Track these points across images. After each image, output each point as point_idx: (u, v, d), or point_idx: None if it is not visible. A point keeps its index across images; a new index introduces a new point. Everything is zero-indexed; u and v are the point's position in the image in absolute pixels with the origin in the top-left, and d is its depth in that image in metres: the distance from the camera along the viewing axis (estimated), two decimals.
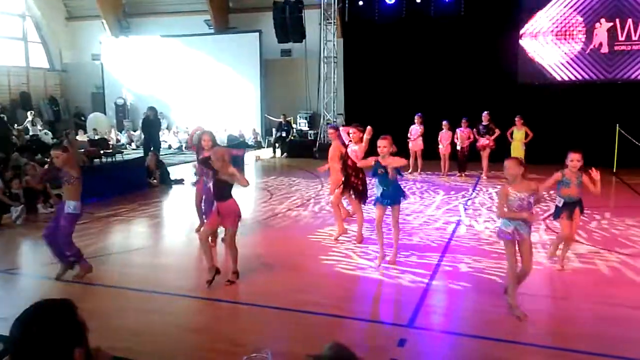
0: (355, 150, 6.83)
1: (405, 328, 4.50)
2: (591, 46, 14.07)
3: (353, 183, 6.88)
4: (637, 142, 12.35)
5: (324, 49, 16.70)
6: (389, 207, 5.94)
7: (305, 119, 18.19)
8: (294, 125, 18.15)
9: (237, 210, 5.40)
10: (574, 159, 5.48)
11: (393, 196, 5.89)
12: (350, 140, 7.04)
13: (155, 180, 11.59)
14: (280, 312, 4.85)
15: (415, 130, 12.58)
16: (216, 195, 5.41)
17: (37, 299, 5.06)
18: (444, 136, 12.44)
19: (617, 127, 12.51)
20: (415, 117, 12.64)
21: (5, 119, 16.25)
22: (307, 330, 4.47)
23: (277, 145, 17.46)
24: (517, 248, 4.55)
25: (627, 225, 7.85)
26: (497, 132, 11.89)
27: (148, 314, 4.91)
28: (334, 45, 16.61)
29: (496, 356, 4.03)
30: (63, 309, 1.63)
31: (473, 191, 10.67)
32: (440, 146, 12.47)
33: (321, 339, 4.18)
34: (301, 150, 16.89)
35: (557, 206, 5.80)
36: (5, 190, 8.63)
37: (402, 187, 6.19)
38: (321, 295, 5.21)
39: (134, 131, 19.49)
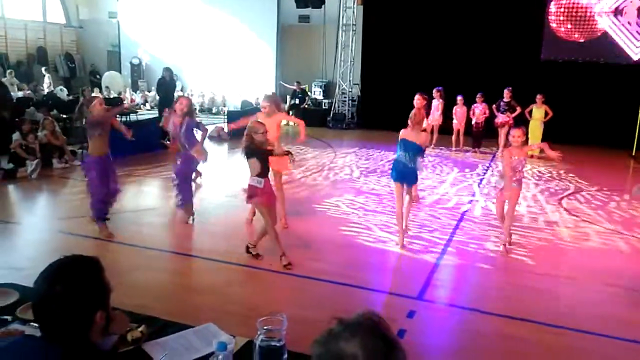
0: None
1: (415, 300, 4.51)
2: (620, 24, 13.64)
3: None
4: None
5: (343, 16, 16.37)
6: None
7: (320, 87, 17.96)
8: (308, 94, 17.97)
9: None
10: None
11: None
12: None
13: (169, 142, 11.56)
14: (291, 278, 4.87)
15: (435, 104, 12.40)
16: (265, 171, 5.03)
17: (51, 251, 5.10)
18: (459, 111, 12.25)
19: None
20: (434, 91, 12.43)
21: (13, 74, 16.14)
22: (317, 297, 4.49)
23: (290, 113, 17.32)
24: None
25: None
26: (519, 109, 11.66)
27: (160, 273, 4.97)
28: (353, 12, 16.26)
29: (505, 332, 4.02)
30: (90, 268, 1.56)
31: (488, 168, 10.57)
32: (455, 121, 12.30)
33: (330, 306, 4.22)
34: (315, 119, 16.76)
35: None
36: (22, 144, 8.68)
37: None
38: (333, 264, 5.21)
39: (149, 92, 19.42)
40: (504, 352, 3.77)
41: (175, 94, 15.93)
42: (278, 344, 1.94)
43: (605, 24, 13.82)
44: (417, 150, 5.51)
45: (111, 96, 16.53)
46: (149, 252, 5.50)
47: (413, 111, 5.70)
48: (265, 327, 1.94)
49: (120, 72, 20.25)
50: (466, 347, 3.89)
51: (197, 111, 18.10)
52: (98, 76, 20.12)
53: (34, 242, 5.71)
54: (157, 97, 14.96)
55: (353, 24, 16.30)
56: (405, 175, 5.62)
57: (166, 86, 13.39)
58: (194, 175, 7.84)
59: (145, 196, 7.85)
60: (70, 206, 7.07)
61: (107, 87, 18.09)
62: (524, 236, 6.25)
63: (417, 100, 6.86)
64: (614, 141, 12.99)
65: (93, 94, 15.61)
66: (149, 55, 20.38)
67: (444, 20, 14.75)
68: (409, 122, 5.56)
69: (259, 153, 4.91)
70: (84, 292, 1.50)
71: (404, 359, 1.20)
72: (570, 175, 10.08)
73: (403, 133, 5.57)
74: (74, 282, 1.50)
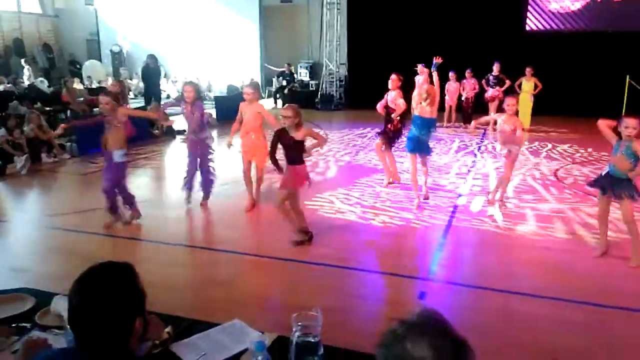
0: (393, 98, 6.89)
1: (424, 281, 4.50)
2: None
3: (389, 131, 7.06)
4: None
5: None
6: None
7: (307, 68, 17.79)
8: (294, 75, 17.77)
9: (306, 174, 5.17)
10: (629, 125, 4.37)
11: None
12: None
13: (157, 131, 11.39)
14: (296, 265, 4.81)
15: (420, 81, 12.29)
16: (289, 157, 5.08)
17: (51, 249, 4.95)
18: (451, 87, 12.20)
19: (628, 78, 12.28)
20: (420, 67, 12.31)
21: None
22: (327, 283, 4.45)
23: (277, 95, 17.14)
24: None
25: None
26: (508, 82, 11.68)
27: (165, 267, 4.87)
28: None
29: (515, 308, 4.02)
30: (125, 275, 1.49)
31: (481, 144, 10.58)
32: (447, 97, 12.26)
33: (342, 292, 4.20)
34: (302, 100, 16.59)
35: (600, 174, 4.95)
36: (8, 140, 8.46)
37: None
38: (336, 249, 5.17)
39: (131, 79, 19.07)
40: (518, 329, 3.77)
41: (161, 81, 15.69)
42: (314, 340, 1.90)
43: None
44: (424, 123, 6.19)
45: (93, 86, 16.19)
46: (148, 244, 5.41)
47: (425, 88, 6.29)
48: (300, 324, 1.90)
49: (100, 61, 19.85)
50: (479, 326, 3.88)
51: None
52: (78, 66, 19.69)
53: (33, 241, 5.58)
54: (142, 85, 14.71)
55: (337, 3, 16.08)
56: (418, 146, 6.28)
57: (151, 73, 13.14)
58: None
59: (139, 188, 7.70)
60: (64, 201, 6.92)
61: (88, 76, 17.73)
62: (527, 209, 6.28)
63: (392, 80, 6.81)
64: (603, 110, 13.04)
65: (74, 85, 15.30)
66: (129, 42, 19.98)
67: None
68: (419, 98, 6.21)
69: (282, 139, 5.06)
70: (123, 300, 1.44)
71: (473, 358, 1.16)
72: (565, 145, 10.13)
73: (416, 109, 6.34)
74: (112, 291, 1.43)
